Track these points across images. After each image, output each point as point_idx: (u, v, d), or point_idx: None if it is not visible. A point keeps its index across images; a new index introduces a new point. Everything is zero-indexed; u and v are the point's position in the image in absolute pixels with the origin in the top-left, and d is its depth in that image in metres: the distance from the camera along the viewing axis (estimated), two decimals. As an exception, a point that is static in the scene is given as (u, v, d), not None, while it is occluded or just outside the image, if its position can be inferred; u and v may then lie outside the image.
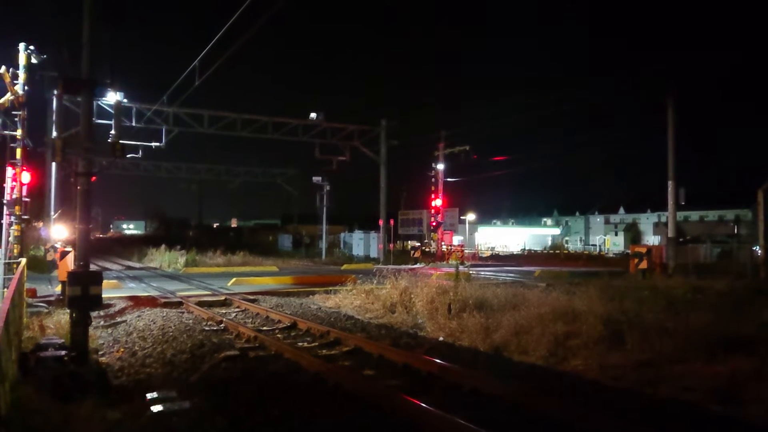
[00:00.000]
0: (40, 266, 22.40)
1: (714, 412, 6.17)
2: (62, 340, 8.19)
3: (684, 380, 7.19)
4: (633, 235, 77.91)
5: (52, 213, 24.24)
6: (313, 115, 33.85)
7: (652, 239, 69.84)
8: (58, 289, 14.92)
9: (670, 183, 25.65)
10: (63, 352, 7.53)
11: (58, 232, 21.48)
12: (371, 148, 36.67)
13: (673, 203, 25.81)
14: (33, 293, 15.03)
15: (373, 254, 39.10)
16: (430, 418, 5.66)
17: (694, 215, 75.60)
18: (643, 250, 21.83)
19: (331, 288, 16.87)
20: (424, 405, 5.91)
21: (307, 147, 36.80)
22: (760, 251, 23.10)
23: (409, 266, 28.24)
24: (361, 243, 42.20)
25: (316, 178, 38.77)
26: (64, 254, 14.39)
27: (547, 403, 6.19)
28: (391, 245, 39.12)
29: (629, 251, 26.77)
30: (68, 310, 8.41)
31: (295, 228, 54.74)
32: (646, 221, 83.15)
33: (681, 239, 33.88)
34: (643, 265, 20.72)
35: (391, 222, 38.25)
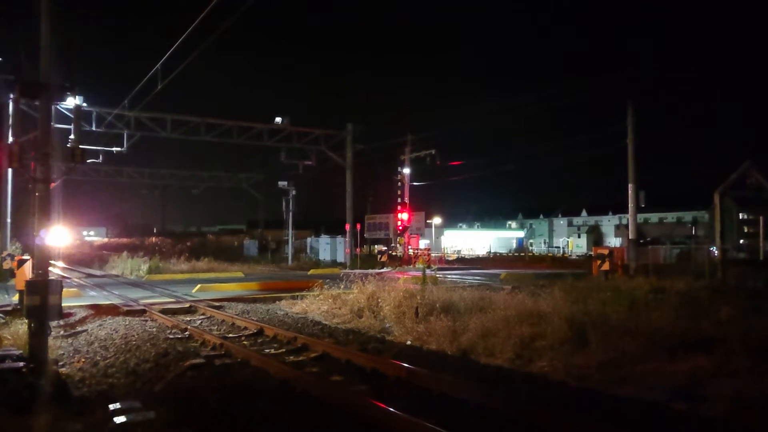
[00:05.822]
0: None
1: (676, 410, 6.31)
2: (20, 351, 7.95)
3: (647, 379, 7.35)
4: (595, 237, 79.42)
5: (8, 219, 23.59)
6: (278, 119, 33.68)
7: (613, 241, 71.33)
8: (16, 298, 14.46)
9: (630, 186, 26.27)
10: (21, 364, 7.29)
11: (59, 237, 19.41)
12: (337, 152, 36.65)
13: (634, 206, 26.43)
14: (-12, 303, 14.57)
15: (340, 259, 39.03)
16: (399, 423, 5.65)
17: (654, 217, 77.41)
18: (605, 251, 22.22)
19: (297, 293, 16.72)
20: (392, 410, 5.90)
21: (272, 152, 36.67)
22: (716, 252, 23.77)
23: (376, 270, 28.24)
24: (327, 248, 42.06)
25: (282, 183, 38.53)
26: (21, 262, 13.98)
27: (515, 405, 6.24)
28: (358, 249, 39.10)
29: (592, 253, 27.24)
30: (26, 320, 8.16)
31: (261, 233, 54.23)
32: (608, 223, 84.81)
33: (641, 241, 34.67)
34: (606, 266, 21.10)
35: (358, 226, 38.24)
